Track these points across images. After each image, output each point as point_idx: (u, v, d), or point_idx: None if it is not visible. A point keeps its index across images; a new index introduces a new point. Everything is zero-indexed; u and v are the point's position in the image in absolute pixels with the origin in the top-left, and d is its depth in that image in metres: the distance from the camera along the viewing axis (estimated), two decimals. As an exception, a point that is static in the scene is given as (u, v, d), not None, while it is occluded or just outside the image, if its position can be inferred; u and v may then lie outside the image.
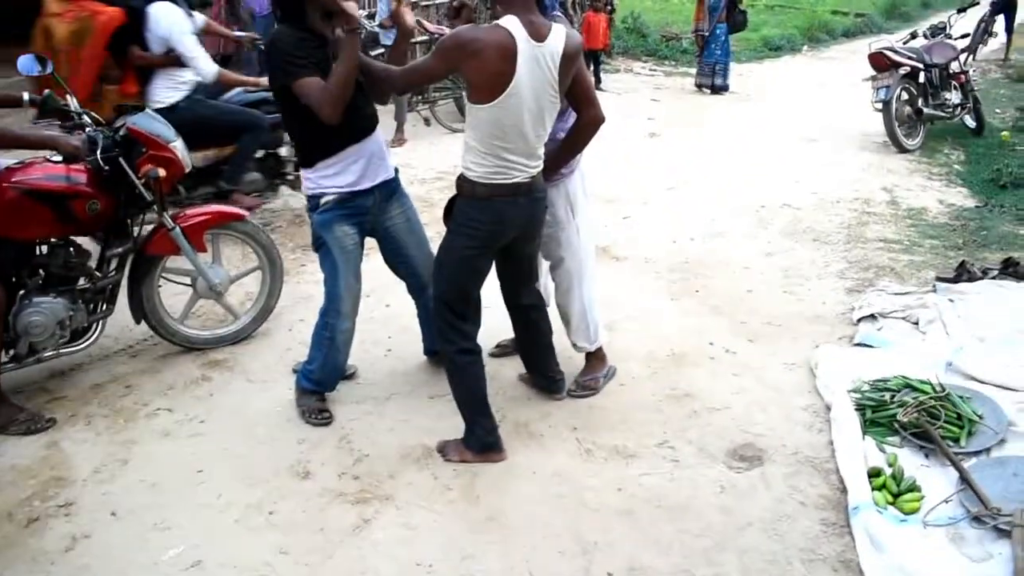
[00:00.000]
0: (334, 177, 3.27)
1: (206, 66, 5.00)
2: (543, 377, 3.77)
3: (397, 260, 3.66)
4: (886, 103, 8.09)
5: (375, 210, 3.42)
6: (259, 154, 5.49)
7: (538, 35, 2.86)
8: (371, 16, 8.48)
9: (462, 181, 3.10)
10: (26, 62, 3.69)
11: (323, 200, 3.29)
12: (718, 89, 11.55)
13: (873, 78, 8.35)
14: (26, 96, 3.52)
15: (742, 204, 6.61)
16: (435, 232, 5.50)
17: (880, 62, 8.28)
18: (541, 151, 3.11)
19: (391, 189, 3.49)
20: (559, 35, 2.94)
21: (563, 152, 3.37)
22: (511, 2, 2.86)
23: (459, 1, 3.50)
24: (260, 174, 5.53)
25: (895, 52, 8.33)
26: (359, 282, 3.50)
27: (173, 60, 4.97)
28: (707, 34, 11.48)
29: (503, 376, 3.90)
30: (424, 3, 10.64)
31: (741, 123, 9.76)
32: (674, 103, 10.88)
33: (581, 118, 3.27)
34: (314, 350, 3.56)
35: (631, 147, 8.46)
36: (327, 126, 3.08)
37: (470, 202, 3.08)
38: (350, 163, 3.27)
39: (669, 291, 4.98)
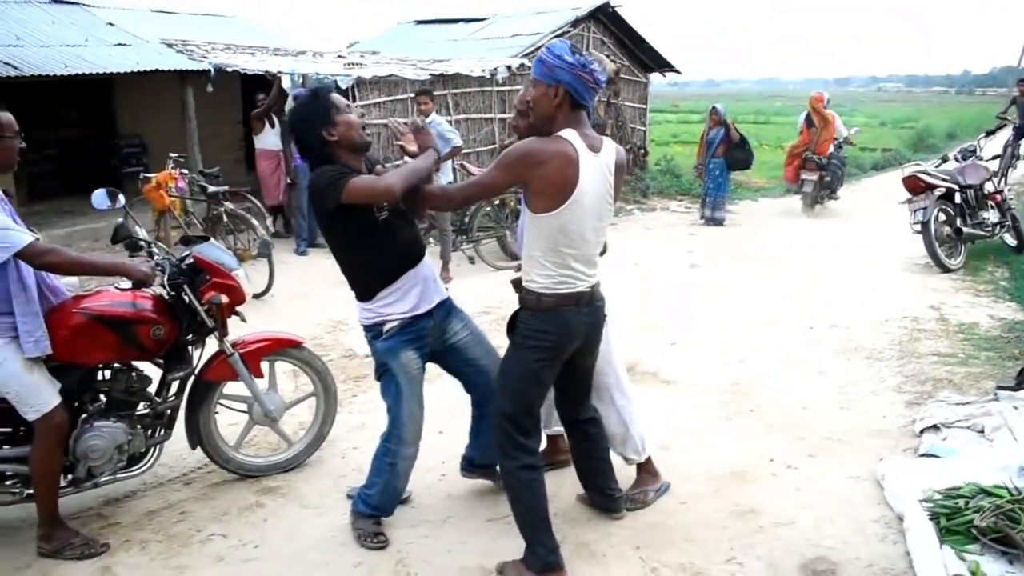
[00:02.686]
0: (395, 304, 3.33)
1: None
2: (601, 495, 3.68)
3: (471, 371, 3.63)
4: (924, 224, 8.15)
5: (435, 332, 3.46)
6: None
7: (593, 147, 3.00)
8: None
9: (526, 293, 3.13)
10: (99, 197, 3.88)
11: (386, 327, 3.33)
12: (712, 222, 11.73)
13: (909, 201, 8.44)
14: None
15: (790, 327, 6.59)
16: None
17: (915, 185, 8.40)
18: (597, 260, 3.17)
19: (447, 309, 3.54)
20: (610, 147, 3.10)
21: None
22: (568, 117, 2.99)
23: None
24: None
25: (929, 175, 8.45)
26: (422, 408, 3.49)
27: None
28: (703, 168, 11.86)
29: (561, 497, 3.82)
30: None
31: (781, 252, 9.82)
32: (712, 236, 11.02)
33: None
34: (373, 475, 3.53)
35: (674, 278, 8.54)
36: (385, 255, 3.20)
37: (536, 313, 3.10)
38: (409, 288, 3.33)
39: (723, 412, 4.91)
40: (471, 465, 3.91)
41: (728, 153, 11.52)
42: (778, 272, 8.73)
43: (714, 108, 11.85)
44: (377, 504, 3.54)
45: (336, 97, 3.29)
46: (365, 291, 3.36)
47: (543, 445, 4.02)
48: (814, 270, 8.75)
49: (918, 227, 8.26)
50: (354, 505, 3.61)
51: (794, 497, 3.82)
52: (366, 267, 3.32)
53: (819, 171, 12.09)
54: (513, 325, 3.23)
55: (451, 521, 3.69)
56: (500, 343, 3.49)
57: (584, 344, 3.24)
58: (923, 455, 4.08)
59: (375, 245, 3.18)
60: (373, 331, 3.38)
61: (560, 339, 3.12)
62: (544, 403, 3.41)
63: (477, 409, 3.77)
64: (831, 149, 12.16)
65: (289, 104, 9.63)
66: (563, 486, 3.89)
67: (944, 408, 4.49)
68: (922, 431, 4.34)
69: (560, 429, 3.75)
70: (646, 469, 3.87)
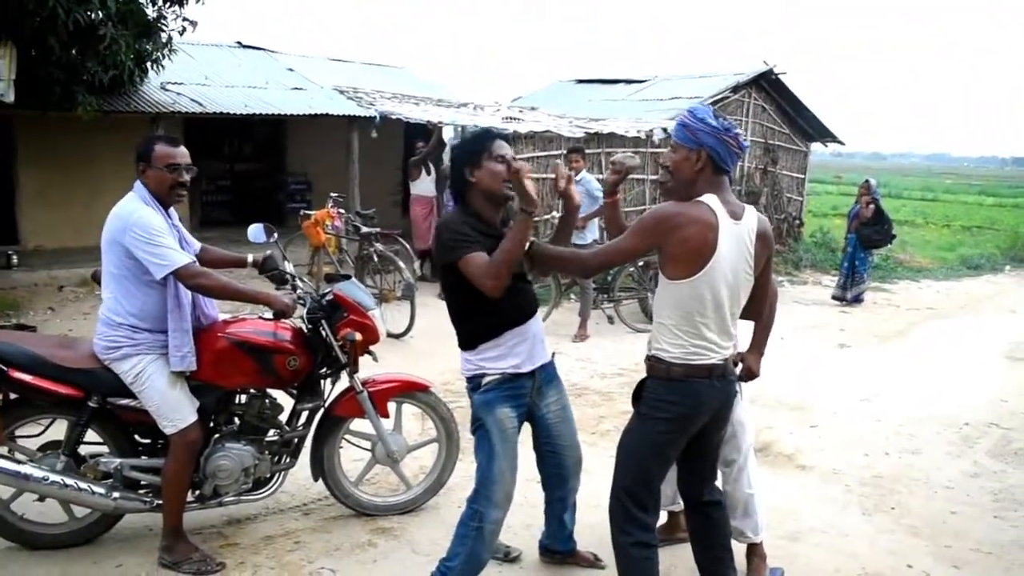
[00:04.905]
0: (497, 360, 3.23)
1: None
2: None
3: (546, 449, 3.49)
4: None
5: (533, 394, 3.34)
6: None
7: (734, 214, 2.89)
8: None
9: (656, 362, 2.99)
10: (256, 231, 4.09)
11: (485, 380, 3.23)
12: (840, 301, 11.19)
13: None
14: (250, 258, 3.89)
15: (942, 421, 6.13)
16: (613, 425, 5.46)
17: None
18: (734, 331, 3.03)
19: (549, 374, 3.43)
20: (752, 215, 2.97)
21: (766, 330, 3.43)
22: (710, 182, 2.90)
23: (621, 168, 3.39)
24: None
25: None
26: (515, 470, 3.31)
27: None
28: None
29: (674, 576, 3.65)
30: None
31: (939, 338, 9.26)
32: (865, 315, 10.52)
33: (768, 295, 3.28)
34: (456, 544, 3.29)
35: (821, 357, 8.17)
36: (493, 309, 3.10)
37: (665, 384, 2.96)
38: (514, 345, 3.23)
39: (861, 506, 4.59)
40: (546, 551, 3.76)
41: (859, 229, 11.05)
42: (935, 359, 8.20)
43: (866, 181, 11.43)
44: None
45: (498, 143, 3.22)
46: (468, 341, 3.28)
47: (663, 520, 3.88)
48: (975, 361, 8.16)
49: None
50: None
51: (933, 610, 3.51)
52: (473, 318, 3.24)
53: None
54: (639, 394, 3.10)
55: (559, 588, 3.58)
56: (629, 408, 3.37)
57: (713, 419, 3.07)
58: (1088, 581, 3.67)
59: (485, 298, 3.08)
60: (472, 383, 3.28)
61: (689, 411, 2.96)
62: (666, 480, 3.29)
63: (546, 492, 3.62)
64: None
65: (446, 154, 9.97)
66: (677, 566, 3.71)
67: (1117, 531, 4.03)
68: (1088, 554, 3.91)
69: (681, 506, 3.59)
70: (757, 553, 3.68)
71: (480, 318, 3.21)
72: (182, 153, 3.47)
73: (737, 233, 2.89)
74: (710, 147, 2.85)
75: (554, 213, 9.22)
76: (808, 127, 15.31)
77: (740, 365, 3.34)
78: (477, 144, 3.24)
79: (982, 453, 5.50)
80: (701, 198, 2.87)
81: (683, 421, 2.97)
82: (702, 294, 2.86)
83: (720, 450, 3.48)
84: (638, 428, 3.05)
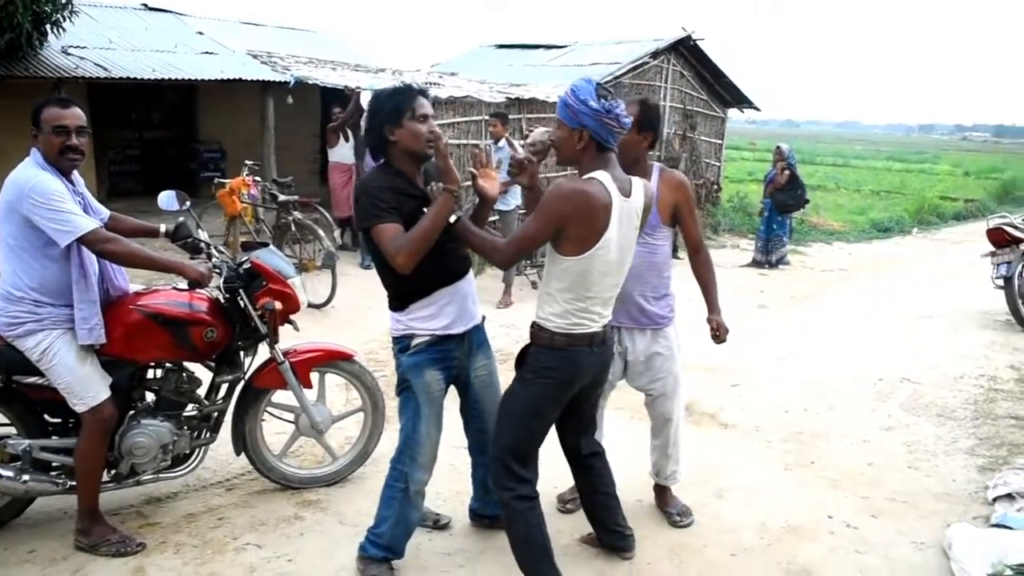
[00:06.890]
0: (427, 320, 3.15)
1: None
2: (609, 532, 3.54)
3: (472, 414, 3.46)
4: (1008, 279, 7.82)
5: (463, 357, 3.30)
6: None
7: (624, 191, 2.91)
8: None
9: (539, 330, 3.03)
10: (167, 198, 3.91)
11: (414, 342, 3.17)
12: (756, 265, 11.46)
13: (992, 254, 8.11)
14: (163, 228, 3.72)
15: (857, 377, 6.34)
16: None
17: (999, 238, 8.07)
18: (613, 301, 3.10)
19: (480, 338, 3.38)
20: (639, 189, 3.00)
21: (713, 286, 3.88)
22: (595, 158, 2.89)
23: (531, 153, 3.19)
24: None
25: (1016, 227, 8.11)
26: (439, 432, 3.29)
27: None
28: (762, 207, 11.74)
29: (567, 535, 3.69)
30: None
31: (853, 299, 9.56)
32: (782, 277, 10.79)
33: (703, 252, 3.92)
34: (384, 507, 3.27)
35: (740, 318, 8.30)
36: (421, 269, 2.98)
37: (547, 351, 3.01)
38: (444, 305, 3.16)
39: (782, 461, 4.71)
40: (476, 516, 3.76)
41: (773, 194, 11.28)
42: (849, 319, 8.46)
43: (778, 147, 11.63)
44: (389, 543, 3.27)
45: (420, 102, 3.07)
46: (399, 301, 3.19)
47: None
48: (887, 320, 8.46)
49: (1000, 282, 7.92)
50: (361, 550, 3.32)
51: (852, 560, 3.62)
52: (400, 279, 3.05)
53: None
54: (522, 360, 3.13)
55: (489, 553, 3.56)
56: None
57: (591, 381, 3.16)
58: (995, 525, 3.83)
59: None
60: (400, 343, 3.21)
61: (569, 377, 3.04)
62: None
63: (472, 457, 3.62)
64: None
65: (364, 120, 9.74)
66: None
67: (1021, 476, 4.22)
68: (995, 499, 4.09)
69: None
70: (671, 492, 3.98)
71: (410, 278, 3.04)
72: (72, 115, 3.24)
73: (627, 210, 2.91)
74: (592, 128, 2.83)
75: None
76: (725, 93, 15.52)
77: (717, 331, 3.70)
78: (399, 100, 3.07)
79: (895, 407, 5.70)
80: (594, 174, 2.85)
81: (563, 386, 3.06)
82: (590, 271, 2.89)
83: (661, 407, 3.77)
84: (521, 392, 3.10)
